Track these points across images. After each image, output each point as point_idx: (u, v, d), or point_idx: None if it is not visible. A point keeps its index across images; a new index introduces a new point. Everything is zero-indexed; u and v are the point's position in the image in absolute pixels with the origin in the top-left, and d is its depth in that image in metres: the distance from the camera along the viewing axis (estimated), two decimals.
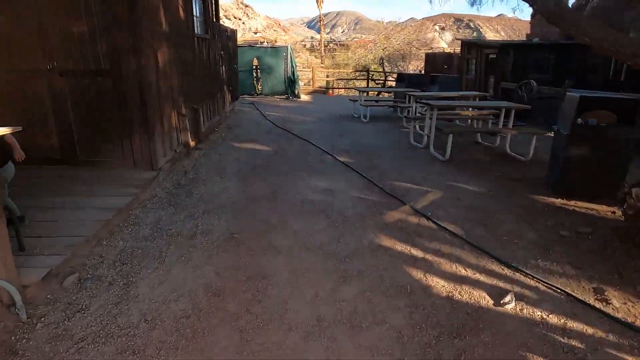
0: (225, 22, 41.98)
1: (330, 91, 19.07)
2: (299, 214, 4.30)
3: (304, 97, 16.21)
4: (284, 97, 15.64)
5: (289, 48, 15.95)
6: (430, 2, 42.73)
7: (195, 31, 7.34)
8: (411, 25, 55.33)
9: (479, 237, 3.84)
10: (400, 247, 3.64)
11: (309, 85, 19.28)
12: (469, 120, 8.72)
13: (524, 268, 3.30)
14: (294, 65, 15.91)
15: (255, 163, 6.21)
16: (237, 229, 3.91)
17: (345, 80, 22.08)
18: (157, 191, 4.80)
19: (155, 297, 2.82)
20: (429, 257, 3.48)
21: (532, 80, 10.30)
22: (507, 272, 3.28)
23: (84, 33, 4.71)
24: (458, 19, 59.76)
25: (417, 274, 3.21)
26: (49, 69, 4.77)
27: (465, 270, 3.30)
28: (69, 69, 4.81)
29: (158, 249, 3.47)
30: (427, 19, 58.50)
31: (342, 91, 20.47)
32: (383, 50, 30.10)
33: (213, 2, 8.93)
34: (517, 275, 3.23)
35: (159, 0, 5.43)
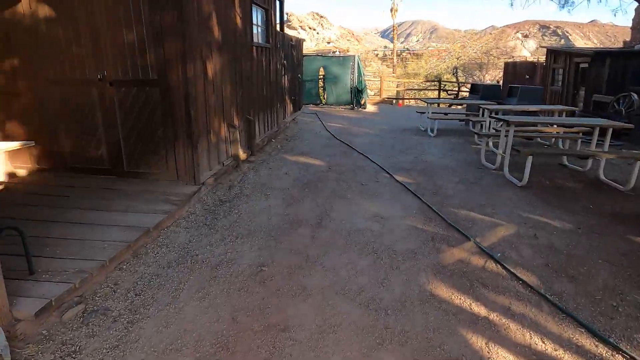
0: (300, 33, 42.86)
1: (400, 101, 18.31)
2: (342, 246, 3.77)
3: (370, 108, 15.64)
4: (349, 107, 15.20)
5: (356, 58, 15.51)
6: (512, 5, 40.09)
7: (255, 40, 7.13)
8: (490, 34, 52.46)
9: (563, 293, 3.04)
10: (458, 299, 2.96)
11: (377, 95, 18.68)
12: (553, 140, 7.61)
13: (627, 346, 2.48)
14: (361, 74, 15.43)
15: (306, 179, 5.78)
16: (268, 260, 3.47)
17: (416, 91, 21.15)
18: (195, 208, 4.53)
19: (157, 343, 2.44)
20: (494, 317, 2.77)
21: (632, 94, 8.86)
22: (602, 349, 2.48)
23: (133, 42, 4.60)
24: (544, 26, 55.63)
25: (477, 342, 2.53)
26: (99, 78, 4.72)
27: (543, 341, 2.55)
28: (119, 79, 4.73)
29: (177, 279, 3.13)
30: (509, 26, 55.13)
31: (411, 102, 19.59)
32: (457, 59, 28.62)
33: (276, 12, 8.73)
34: (617, 358, 2.42)
35: (212, 8, 5.23)
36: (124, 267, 3.24)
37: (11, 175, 5.06)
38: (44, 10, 4.64)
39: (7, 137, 5.05)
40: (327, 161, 6.86)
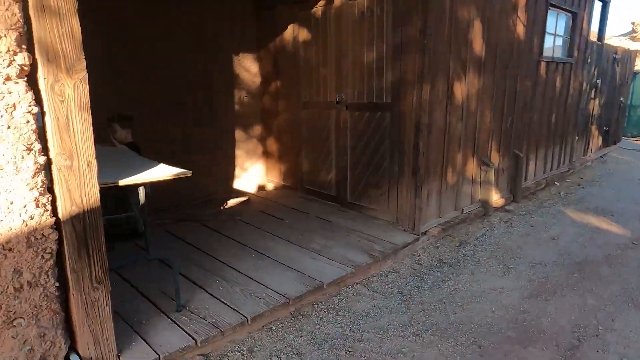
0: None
1: None
2: None
3: None
4: None
5: None
6: None
7: (546, 54, 5.46)
8: None
9: None
10: None
11: None
12: None
13: None
14: None
15: (583, 256, 3.85)
16: None
17: None
18: (401, 265, 3.60)
19: None
20: None
21: None
22: None
23: (372, 62, 4.07)
24: None
25: None
26: (337, 101, 4.45)
27: None
28: (354, 102, 4.32)
29: None
30: None
31: None
32: None
33: (591, 16, 6.52)
34: None
35: (474, 16, 4.11)
36: (274, 328, 2.70)
37: (261, 187, 5.51)
38: (303, 35, 4.73)
39: (266, 153, 5.52)
40: (633, 230, 4.49)
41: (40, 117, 1.73)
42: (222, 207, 4.64)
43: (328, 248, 3.57)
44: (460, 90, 4.15)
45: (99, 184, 1.95)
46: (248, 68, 5.26)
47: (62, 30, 1.71)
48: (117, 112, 3.24)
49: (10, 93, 1.60)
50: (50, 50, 1.69)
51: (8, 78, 1.59)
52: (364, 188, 4.39)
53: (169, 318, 2.52)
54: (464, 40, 4.09)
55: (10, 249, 1.69)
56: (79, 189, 1.85)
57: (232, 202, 4.84)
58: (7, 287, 1.71)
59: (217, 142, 5.02)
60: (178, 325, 2.45)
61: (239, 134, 5.28)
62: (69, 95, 1.76)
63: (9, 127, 1.61)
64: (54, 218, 1.80)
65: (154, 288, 2.84)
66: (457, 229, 4.35)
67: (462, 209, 4.54)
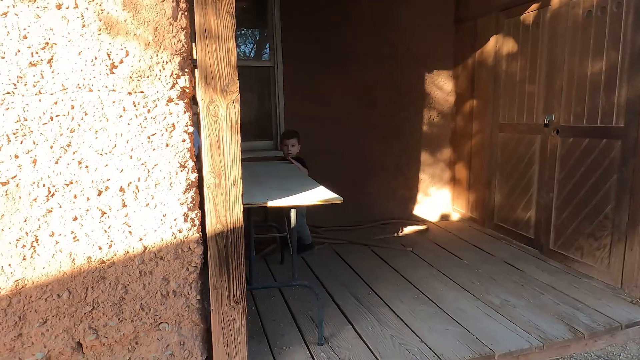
0: None
1: None
2: None
3: None
4: None
5: None
6: None
7: None
8: None
9: None
10: None
11: None
12: None
13: None
14: None
15: None
16: None
17: None
18: (618, 352, 2.59)
19: None
20: None
21: None
22: None
23: (597, 74, 3.15)
24: None
25: None
26: (545, 124, 3.61)
27: None
28: (568, 126, 3.43)
29: None
30: None
31: None
32: None
33: None
34: None
35: None
36: None
37: (444, 217, 4.97)
38: (507, 46, 4.07)
39: (453, 179, 4.98)
40: None
41: (196, 136, 1.80)
42: (396, 234, 4.35)
43: (510, 306, 2.86)
44: None
45: (245, 204, 1.95)
46: (441, 86, 4.85)
47: (220, 53, 1.75)
48: (286, 129, 3.36)
49: (171, 114, 1.71)
50: (208, 73, 1.75)
51: (170, 100, 1.70)
52: (573, 235, 3.42)
53: (308, 350, 2.38)
54: None
55: (161, 258, 1.81)
56: (224, 208, 1.87)
57: (408, 229, 4.50)
58: (157, 292, 1.83)
59: (400, 163, 4.78)
60: None
61: (425, 156, 4.92)
62: (222, 115, 1.80)
63: (167, 145, 1.73)
64: (200, 234, 1.86)
65: (306, 313, 2.77)
66: None
67: None
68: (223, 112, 1.80)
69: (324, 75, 4.36)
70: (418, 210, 4.93)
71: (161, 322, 1.88)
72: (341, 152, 4.51)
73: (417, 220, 4.79)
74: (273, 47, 4.26)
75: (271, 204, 2.09)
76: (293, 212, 2.31)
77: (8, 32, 1.51)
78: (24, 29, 1.52)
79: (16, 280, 1.66)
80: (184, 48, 1.70)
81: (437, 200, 5.00)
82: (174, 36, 1.67)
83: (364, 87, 4.50)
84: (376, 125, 4.60)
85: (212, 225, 1.87)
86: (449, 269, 3.47)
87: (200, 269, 1.90)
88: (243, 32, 4.46)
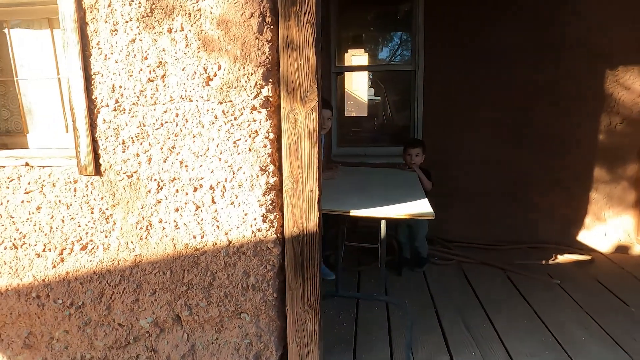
0: None
1: None
2: None
3: None
4: None
5: None
6: None
7: None
8: None
9: None
10: None
11: None
12: None
13: None
14: None
15: None
16: None
17: None
18: None
19: None
20: None
21: None
22: None
23: None
24: None
25: None
26: None
27: None
28: None
29: None
30: None
31: None
32: None
33: None
34: None
35: None
36: None
37: (621, 248, 3.97)
38: None
39: (639, 202, 3.94)
40: None
41: (276, 142, 1.90)
42: (544, 261, 3.69)
43: None
44: None
45: (324, 210, 1.96)
46: (629, 85, 3.89)
47: (300, 63, 1.80)
48: (410, 137, 3.18)
49: (254, 121, 1.85)
50: (289, 82, 1.82)
51: (254, 108, 1.83)
52: None
53: None
54: None
55: (243, 253, 1.97)
56: (301, 212, 1.92)
57: (564, 257, 3.76)
58: (238, 284, 2.00)
59: (564, 178, 4.03)
60: None
61: (599, 172, 4.03)
62: (301, 123, 1.84)
63: (250, 150, 1.87)
64: (277, 235, 1.95)
65: (404, 331, 2.61)
66: None
67: None
68: (302, 120, 1.84)
69: (470, 77, 3.99)
70: (583, 237, 4.07)
71: (242, 312, 2.04)
72: (488, 162, 4.06)
73: (580, 249, 3.95)
74: (415, 50, 4.11)
75: (354, 213, 2.05)
76: (383, 224, 2.20)
77: (135, 55, 1.86)
78: (145, 51, 1.85)
79: (135, 255, 2.04)
80: (268, 60, 1.80)
81: (613, 227, 4.04)
82: (259, 49, 1.79)
83: (517, 88, 3.95)
84: (531, 133, 3.99)
85: (290, 228, 1.94)
86: (603, 314, 2.78)
87: (278, 268, 2.00)
88: (384, 36, 4.43)
